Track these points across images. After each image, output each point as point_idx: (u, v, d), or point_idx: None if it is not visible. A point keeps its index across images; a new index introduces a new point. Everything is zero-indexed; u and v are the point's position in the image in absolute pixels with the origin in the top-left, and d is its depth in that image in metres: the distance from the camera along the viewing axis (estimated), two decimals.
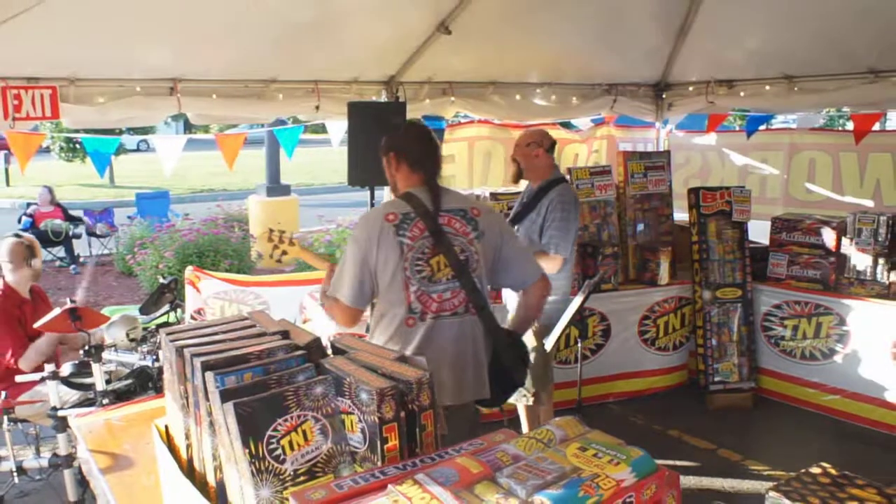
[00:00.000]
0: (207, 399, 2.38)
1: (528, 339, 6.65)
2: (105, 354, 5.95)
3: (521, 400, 6.93)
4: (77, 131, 9.00)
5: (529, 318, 5.07)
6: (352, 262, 4.52)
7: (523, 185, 7.35)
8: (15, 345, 6.80)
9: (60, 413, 5.64)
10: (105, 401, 5.56)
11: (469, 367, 4.60)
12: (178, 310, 7.48)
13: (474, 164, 11.16)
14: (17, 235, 7.24)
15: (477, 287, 4.59)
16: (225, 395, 2.20)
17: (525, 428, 7.11)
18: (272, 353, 2.54)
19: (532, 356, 6.62)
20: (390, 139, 4.87)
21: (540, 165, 6.94)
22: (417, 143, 4.83)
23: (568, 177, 8.07)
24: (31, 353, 6.82)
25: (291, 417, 2.21)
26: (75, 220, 17.80)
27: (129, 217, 18.90)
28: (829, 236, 8.68)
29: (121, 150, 26.09)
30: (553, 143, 7.13)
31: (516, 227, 6.90)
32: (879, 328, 8.16)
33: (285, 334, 2.74)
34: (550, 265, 6.43)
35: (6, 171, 31.23)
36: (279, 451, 2.17)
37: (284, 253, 6.22)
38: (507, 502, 1.79)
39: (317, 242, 14.69)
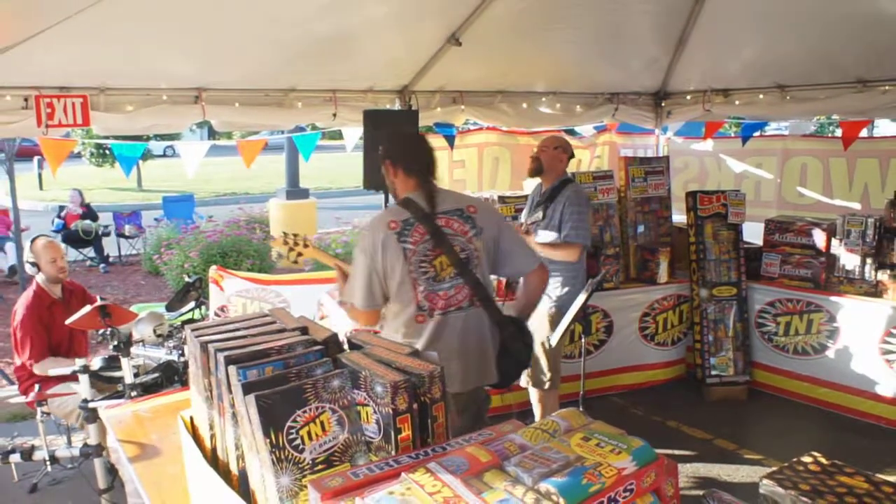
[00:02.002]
0: (230, 392, 2.38)
1: (544, 325, 6.80)
2: (133, 349, 5.96)
3: (538, 385, 7.07)
4: (107, 138, 9.02)
5: (531, 304, 5.09)
6: (361, 270, 4.61)
7: (527, 188, 7.37)
8: (34, 349, 6.79)
9: (91, 405, 5.65)
10: (133, 393, 5.58)
11: (474, 355, 4.67)
12: (203, 307, 7.49)
13: (483, 168, 11.18)
14: (40, 237, 7.26)
15: (480, 282, 4.66)
16: (247, 388, 2.20)
17: (538, 414, 7.23)
18: (292, 348, 2.54)
19: (549, 341, 6.72)
20: (384, 148, 4.92)
21: (560, 168, 7.12)
22: (407, 149, 4.89)
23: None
24: (49, 363, 6.79)
25: (310, 409, 2.20)
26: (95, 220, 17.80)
27: (156, 219, 18.94)
28: (819, 237, 8.67)
29: (148, 155, 26.17)
30: (573, 153, 7.40)
31: (533, 222, 7.06)
32: (868, 324, 8.15)
33: (304, 330, 2.74)
34: (571, 253, 6.74)
35: (39, 175, 31.26)
36: (298, 441, 2.17)
37: (300, 255, 6.23)
38: (515, 489, 1.79)
39: (334, 243, 14.71)
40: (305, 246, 6.04)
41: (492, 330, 4.75)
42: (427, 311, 4.56)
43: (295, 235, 6.25)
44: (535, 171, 7.18)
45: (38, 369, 6.77)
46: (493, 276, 5.06)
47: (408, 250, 4.50)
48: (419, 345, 4.48)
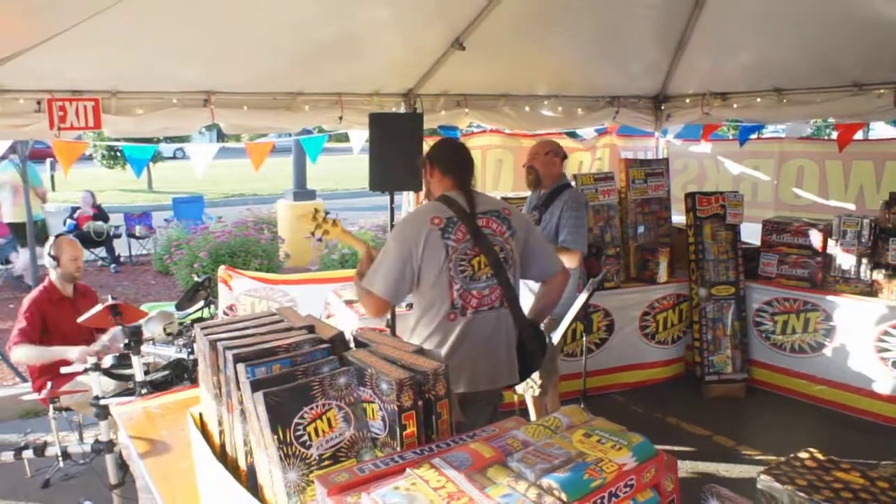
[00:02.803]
0: (239, 389, 2.38)
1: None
2: (144, 347, 5.96)
3: (528, 391, 6.97)
4: (118, 140, 9.02)
5: (548, 306, 5.11)
6: (393, 259, 4.58)
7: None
8: (22, 334, 6.77)
9: (102, 402, 5.65)
10: (144, 390, 5.58)
11: (503, 355, 4.71)
12: (212, 306, 7.49)
13: (487, 170, 11.17)
14: (56, 236, 7.28)
15: (511, 283, 4.70)
16: (255, 385, 2.20)
17: (533, 417, 7.13)
18: (299, 346, 2.54)
19: (555, 338, 6.79)
20: (427, 152, 5.00)
21: (556, 172, 7.08)
22: (446, 152, 4.98)
23: (573, 183, 8.08)
24: (28, 352, 6.79)
25: (317, 406, 2.21)
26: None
27: (165, 220, 18.92)
28: (816, 238, 8.69)
29: (158, 157, 26.16)
30: (566, 155, 7.33)
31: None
32: (863, 323, 8.17)
33: (311, 329, 2.74)
34: (570, 259, 6.54)
35: (52, 177, 31.23)
36: (305, 438, 2.17)
37: (326, 232, 6.25)
38: (518, 485, 1.79)
39: (340, 244, 14.71)
40: (333, 225, 6.08)
41: (514, 331, 4.79)
42: (459, 310, 4.57)
43: (327, 213, 6.28)
44: (534, 182, 7.14)
45: (13, 355, 6.79)
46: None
47: (450, 247, 4.51)
48: (449, 342, 4.57)
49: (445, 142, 5.20)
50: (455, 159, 4.88)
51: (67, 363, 6.54)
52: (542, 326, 5.06)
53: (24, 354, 6.79)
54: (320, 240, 7.14)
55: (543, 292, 5.10)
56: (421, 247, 4.51)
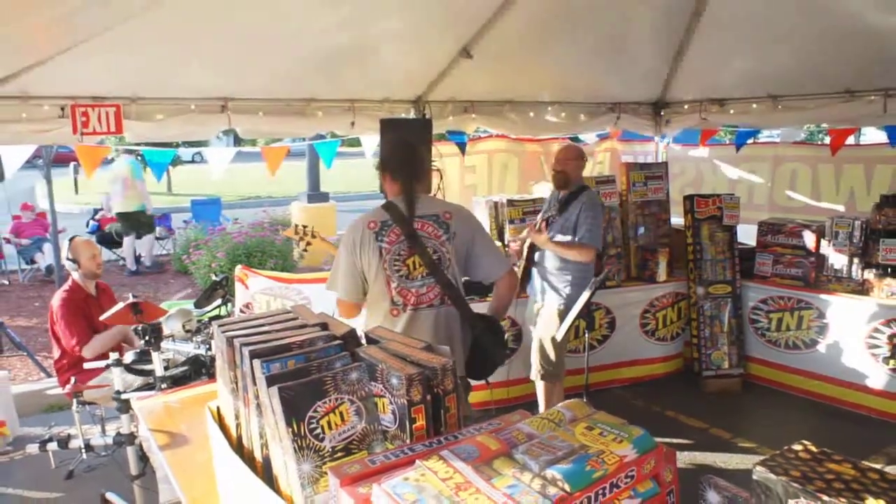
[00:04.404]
0: (255, 384, 2.39)
1: (553, 320, 6.99)
2: (163, 344, 5.97)
3: (546, 379, 7.18)
4: (138, 145, 9.03)
5: (501, 306, 5.17)
6: (343, 263, 4.85)
7: (536, 192, 7.41)
8: (79, 334, 6.88)
9: (124, 396, 5.66)
10: (163, 385, 5.59)
11: (447, 349, 4.67)
12: (229, 304, 7.48)
13: (493, 173, 11.18)
14: (70, 239, 7.31)
15: (451, 282, 4.80)
16: (270, 381, 2.20)
17: (542, 405, 7.25)
18: (313, 342, 2.55)
19: (558, 335, 6.85)
20: (380, 155, 5.05)
21: (579, 175, 7.26)
22: (394, 155, 5.09)
23: None
24: (96, 343, 6.90)
25: (330, 400, 2.21)
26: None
27: (184, 221, 18.95)
28: (809, 238, 8.68)
29: (177, 161, 26.18)
30: (586, 158, 7.54)
31: (546, 220, 7.22)
32: (855, 320, 8.16)
33: (324, 326, 2.74)
34: (586, 254, 6.82)
35: (75, 180, 31.30)
36: (319, 431, 2.18)
37: (309, 244, 6.29)
38: (522, 476, 1.79)
39: (336, 244, 14.69)
40: (313, 237, 6.09)
41: (463, 327, 4.88)
42: (400, 306, 4.74)
43: (305, 227, 6.30)
44: (563, 184, 7.25)
45: (87, 352, 6.84)
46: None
47: (383, 248, 4.71)
48: None
49: (396, 146, 5.25)
50: (402, 166, 4.96)
51: (129, 342, 6.77)
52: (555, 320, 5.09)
53: (97, 346, 6.92)
54: (305, 250, 7.24)
55: (495, 293, 5.20)
56: (359, 248, 4.74)
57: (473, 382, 5.08)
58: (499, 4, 7.64)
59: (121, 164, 16.42)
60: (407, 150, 5.14)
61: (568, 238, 6.90)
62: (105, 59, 6.59)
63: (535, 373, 7.21)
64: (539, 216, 7.61)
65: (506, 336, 5.17)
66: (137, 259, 17.53)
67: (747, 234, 9.63)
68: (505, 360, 5.21)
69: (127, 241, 17.00)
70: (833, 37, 7.81)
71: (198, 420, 3.71)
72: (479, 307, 5.13)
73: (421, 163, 5.05)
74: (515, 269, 7.13)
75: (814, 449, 2.14)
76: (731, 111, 10.19)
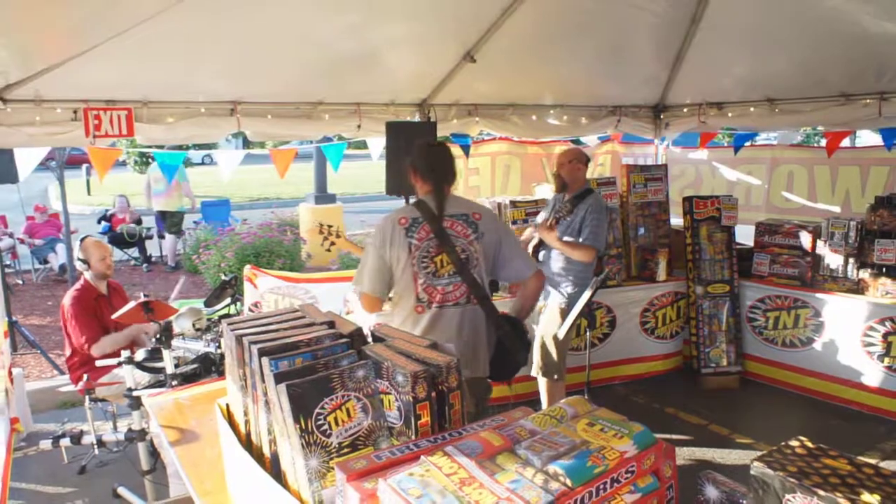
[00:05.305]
0: (263, 381, 2.39)
1: (555, 319, 6.99)
2: (174, 342, 5.98)
3: (549, 374, 7.15)
4: (150, 147, 9.05)
5: (527, 306, 5.17)
6: (371, 258, 4.79)
7: (538, 193, 7.41)
8: (89, 332, 6.89)
9: (135, 393, 5.67)
10: (174, 382, 5.60)
11: (467, 348, 4.73)
12: (238, 303, 7.49)
13: (496, 175, 11.19)
14: (81, 240, 7.32)
15: (477, 281, 4.76)
16: (278, 378, 2.21)
17: (545, 403, 7.27)
18: (320, 340, 2.55)
19: (560, 333, 6.83)
20: (410, 156, 5.01)
21: (580, 178, 7.26)
22: (425, 158, 5.01)
23: None
24: (106, 342, 6.91)
25: (336, 397, 2.21)
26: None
27: (194, 222, 18.92)
28: (805, 239, 8.68)
29: (187, 163, 26.21)
30: (588, 159, 7.53)
31: (556, 218, 7.14)
32: (850, 319, 8.17)
33: (331, 324, 2.74)
34: (587, 254, 6.85)
35: (87, 181, 31.28)
36: (326, 427, 2.18)
37: (333, 244, 6.30)
38: (525, 471, 1.79)
39: (360, 244, 14.70)
40: (338, 237, 6.12)
41: (488, 327, 4.86)
42: (425, 303, 4.71)
43: (330, 227, 6.31)
44: (561, 187, 7.31)
45: (96, 350, 6.85)
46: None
47: (412, 245, 4.67)
48: (417, 332, 4.60)
49: (426, 148, 5.18)
50: (433, 166, 4.94)
51: (140, 345, 6.69)
52: (557, 320, 5.11)
53: (106, 346, 6.90)
54: (328, 250, 7.27)
55: (520, 294, 5.19)
56: (388, 243, 4.71)
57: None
58: (502, 10, 7.64)
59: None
60: (438, 150, 5.14)
61: (572, 238, 6.93)
62: (117, 64, 6.61)
63: (536, 370, 7.20)
64: (538, 217, 7.62)
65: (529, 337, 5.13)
66: (149, 259, 17.56)
67: (745, 235, 9.62)
68: (527, 361, 5.17)
69: (169, 238, 17.36)
70: (829, 42, 7.82)
71: (207, 416, 3.72)
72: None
73: (451, 163, 5.03)
74: None
75: (810, 445, 2.14)
76: (730, 114, 10.19)
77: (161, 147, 9.49)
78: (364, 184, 35.32)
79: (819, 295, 8.48)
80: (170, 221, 17.18)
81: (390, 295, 4.96)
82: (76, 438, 5.99)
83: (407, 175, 5.07)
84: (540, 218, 7.53)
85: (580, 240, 6.87)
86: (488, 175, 11.12)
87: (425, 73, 8.68)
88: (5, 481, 5.15)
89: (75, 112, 7.06)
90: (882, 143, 9.72)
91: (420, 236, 4.68)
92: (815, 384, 8.55)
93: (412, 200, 5.08)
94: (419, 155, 5.00)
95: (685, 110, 10.70)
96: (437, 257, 4.68)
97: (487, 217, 4.94)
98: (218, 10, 6.26)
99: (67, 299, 7.05)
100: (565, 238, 6.93)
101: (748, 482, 2.04)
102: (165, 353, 5.67)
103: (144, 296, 6.08)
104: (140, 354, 6.04)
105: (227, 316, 7.20)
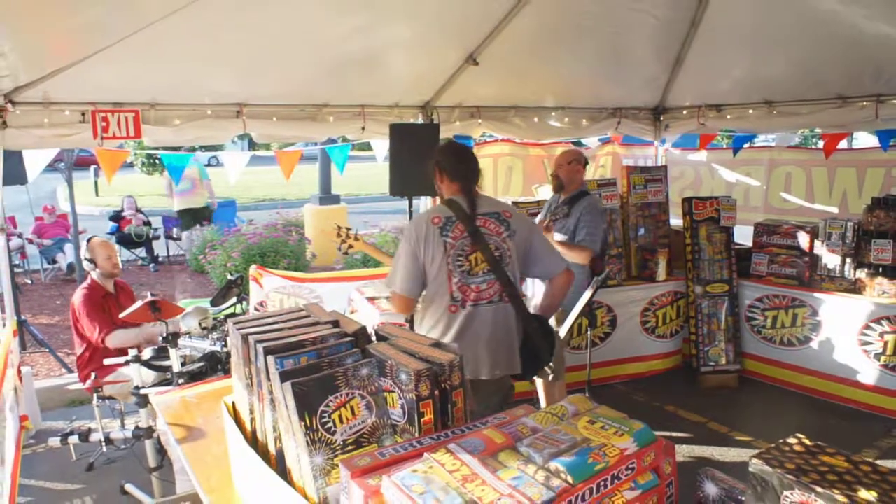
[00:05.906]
0: (269, 379, 2.39)
1: (550, 320, 6.87)
2: (180, 341, 5.98)
3: (543, 376, 7.02)
4: (157, 148, 9.04)
5: (555, 304, 5.14)
6: (405, 258, 4.72)
7: (540, 194, 7.41)
8: (102, 325, 6.88)
9: (142, 391, 5.68)
10: (181, 381, 5.60)
11: (502, 346, 4.74)
12: (244, 302, 7.49)
13: (498, 176, 11.20)
14: (88, 240, 7.33)
15: (510, 279, 4.74)
16: (284, 376, 2.20)
17: (543, 403, 7.19)
18: (324, 339, 2.55)
19: (561, 332, 6.85)
20: (435, 157, 4.98)
21: (578, 179, 7.26)
22: (452, 157, 4.97)
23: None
24: (120, 334, 6.89)
25: (341, 395, 2.21)
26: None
27: (200, 224, 18.96)
28: (803, 239, 8.68)
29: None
30: (587, 161, 7.53)
31: (553, 219, 7.14)
32: (847, 318, 8.16)
33: (336, 323, 2.74)
34: (582, 256, 6.81)
35: (95, 183, 31.29)
36: (330, 424, 2.18)
37: (350, 246, 6.29)
38: (527, 468, 1.79)
39: (380, 246, 14.70)
40: (356, 239, 6.11)
41: (517, 325, 4.83)
42: (459, 302, 4.65)
43: (348, 229, 6.31)
44: (558, 188, 7.31)
45: (110, 342, 6.84)
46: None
47: (448, 243, 4.63)
48: (451, 333, 4.64)
49: (451, 148, 5.18)
50: (460, 166, 4.92)
51: (154, 342, 6.68)
52: (552, 322, 5.10)
53: (120, 339, 6.88)
54: (346, 253, 7.25)
55: (548, 291, 5.14)
56: (423, 243, 4.65)
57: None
58: (505, 14, 7.65)
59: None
60: (463, 150, 5.13)
61: (567, 239, 6.92)
62: (124, 66, 6.63)
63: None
64: (538, 218, 7.61)
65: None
66: (156, 259, 17.57)
67: (744, 235, 9.62)
68: (551, 359, 5.16)
69: (185, 235, 17.51)
70: (826, 45, 7.82)
71: (214, 414, 3.71)
72: None
73: (476, 162, 5.00)
74: None
75: (808, 442, 2.14)
76: (728, 116, 10.19)
77: (178, 148, 9.48)
78: (368, 185, 35.35)
79: (816, 294, 8.47)
80: (192, 218, 17.28)
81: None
82: (84, 436, 5.98)
83: (432, 176, 5.04)
84: (537, 219, 7.53)
85: (575, 241, 6.89)
86: (490, 176, 11.13)
87: (428, 75, 8.70)
88: (15, 478, 5.15)
89: (83, 114, 7.08)
90: (878, 145, 9.73)
91: (455, 235, 4.65)
92: (813, 382, 8.54)
93: (419, 200, 5.08)
94: (444, 155, 4.98)
95: (685, 112, 10.71)
96: (472, 255, 4.65)
97: (517, 215, 4.93)
98: (225, 14, 6.27)
99: (77, 297, 7.05)
100: (556, 237, 6.93)
101: (747, 479, 2.04)
102: (172, 351, 5.68)
103: (151, 295, 6.09)
104: (147, 353, 6.04)
105: (233, 315, 7.20)
